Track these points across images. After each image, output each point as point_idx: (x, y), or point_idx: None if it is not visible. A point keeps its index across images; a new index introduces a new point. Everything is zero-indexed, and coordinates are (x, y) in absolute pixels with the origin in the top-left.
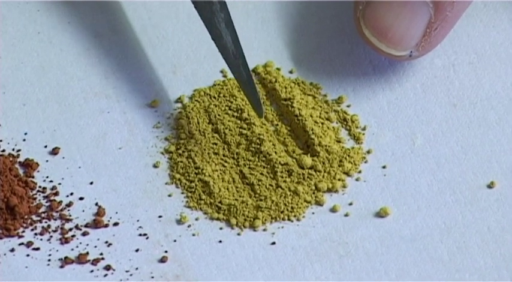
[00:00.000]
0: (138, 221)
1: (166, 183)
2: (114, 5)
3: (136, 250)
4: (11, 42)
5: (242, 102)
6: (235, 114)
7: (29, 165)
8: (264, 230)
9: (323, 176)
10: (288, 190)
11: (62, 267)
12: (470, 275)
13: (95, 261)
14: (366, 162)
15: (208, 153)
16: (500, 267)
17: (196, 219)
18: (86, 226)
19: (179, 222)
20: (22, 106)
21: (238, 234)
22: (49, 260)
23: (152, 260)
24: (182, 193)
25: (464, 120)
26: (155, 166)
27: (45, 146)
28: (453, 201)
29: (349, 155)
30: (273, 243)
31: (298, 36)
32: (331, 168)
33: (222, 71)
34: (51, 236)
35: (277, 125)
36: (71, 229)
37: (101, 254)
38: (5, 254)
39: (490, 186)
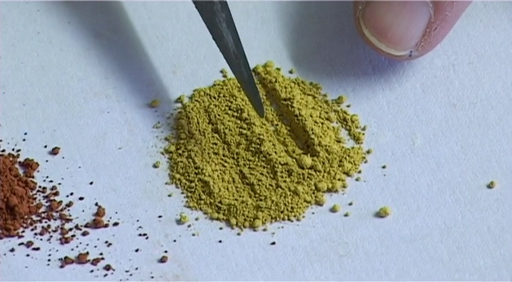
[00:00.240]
0: (138, 221)
1: (166, 183)
2: (114, 5)
3: (136, 250)
4: (11, 42)
5: (242, 102)
6: (235, 114)
7: (29, 165)
8: (264, 230)
9: (323, 176)
10: (288, 190)
11: (62, 267)
12: (470, 275)
13: (95, 261)
14: (365, 162)
15: (208, 153)
16: (500, 267)
17: (196, 219)
18: (85, 226)
19: (179, 222)
20: (22, 106)
21: (238, 234)
22: (49, 260)
23: (152, 260)
24: (182, 193)
25: (464, 120)
26: (155, 166)
27: (45, 146)
28: (453, 201)
29: (349, 155)
30: (273, 243)
31: (298, 36)
32: (331, 168)
33: (222, 71)
34: (51, 236)
35: (277, 125)
36: (70, 229)
37: (101, 254)
38: (5, 254)
39: (490, 186)
